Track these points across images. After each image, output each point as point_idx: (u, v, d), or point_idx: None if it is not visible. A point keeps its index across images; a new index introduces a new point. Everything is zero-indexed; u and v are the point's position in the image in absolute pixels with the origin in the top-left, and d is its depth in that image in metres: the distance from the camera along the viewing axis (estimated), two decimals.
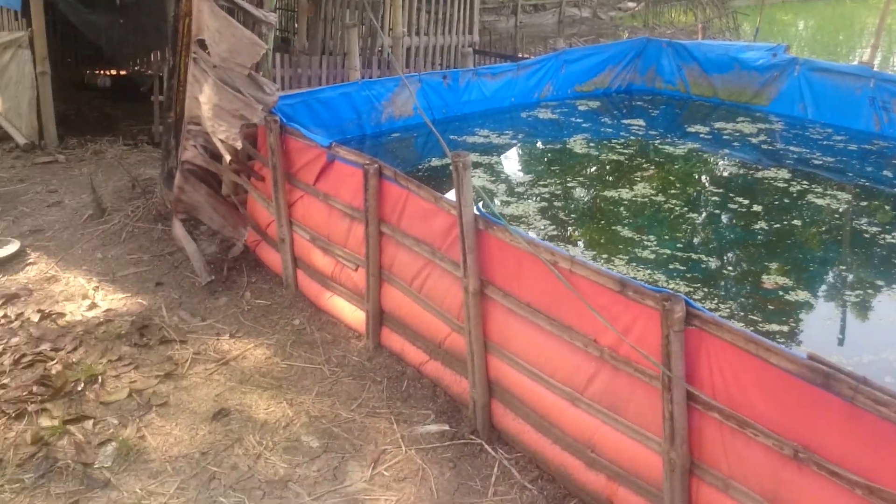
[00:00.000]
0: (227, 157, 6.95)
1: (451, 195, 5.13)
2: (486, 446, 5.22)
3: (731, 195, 8.65)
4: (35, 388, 5.75)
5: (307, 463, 5.10)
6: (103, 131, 12.40)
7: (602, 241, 7.51)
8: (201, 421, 5.49)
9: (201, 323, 6.79)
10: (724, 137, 10.66)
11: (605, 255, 7.11)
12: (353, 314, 6.52)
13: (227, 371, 6.08)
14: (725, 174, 9.63)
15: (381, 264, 6.05)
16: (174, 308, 7.02)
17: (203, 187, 7.52)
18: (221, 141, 6.85)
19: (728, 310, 6.25)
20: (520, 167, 9.32)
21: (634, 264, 6.91)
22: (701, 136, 10.74)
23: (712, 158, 10.03)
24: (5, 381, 5.87)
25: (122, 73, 15.74)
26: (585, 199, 8.52)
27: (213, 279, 7.36)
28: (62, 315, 6.83)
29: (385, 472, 5.02)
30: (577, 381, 4.60)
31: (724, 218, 8.13)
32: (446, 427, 5.42)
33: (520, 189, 8.36)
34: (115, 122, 13.14)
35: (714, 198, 8.70)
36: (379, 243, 5.99)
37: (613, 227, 7.66)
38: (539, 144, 10.16)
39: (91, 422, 5.45)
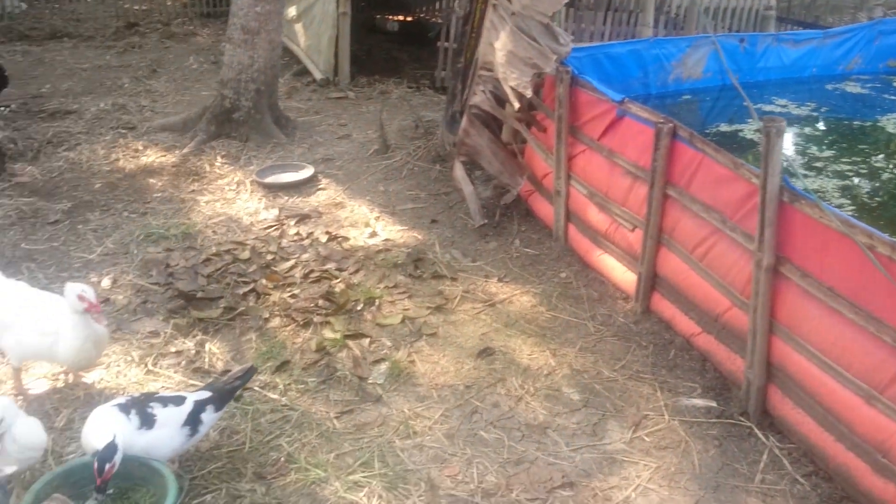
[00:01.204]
0: (515, 105, 7.00)
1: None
2: (757, 430, 4.92)
3: None
4: (321, 302, 6.23)
5: (567, 414, 5.09)
6: (389, 73, 13.05)
7: None
8: (467, 356, 5.66)
9: (471, 264, 6.98)
10: None
11: None
12: (623, 275, 6.39)
13: (494, 313, 6.21)
14: None
15: (661, 228, 5.83)
16: (447, 246, 7.28)
17: (486, 132, 7.67)
18: (511, 88, 6.91)
19: None
20: (820, 141, 8.57)
21: None
22: None
23: None
24: (296, 292, 6.42)
25: (410, 18, 16.42)
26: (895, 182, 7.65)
27: (486, 223, 7.53)
28: (346, 239, 7.32)
29: (645, 438, 4.90)
30: (876, 379, 4.17)
31: None
32: (713, 404, 5.17)
33: (818, 164, 7.70)
34: (401, 65, 13.77)
35: None
36: (662, 206, 5.77)
37: None
38: (844, 120, 9.25)
39: (367, 340, 5.81)
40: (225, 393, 4.59)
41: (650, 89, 8.70)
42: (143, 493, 4.14)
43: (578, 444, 4.83)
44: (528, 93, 6.81)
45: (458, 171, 7.86)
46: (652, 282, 6.03)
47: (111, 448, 3.90)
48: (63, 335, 4.82)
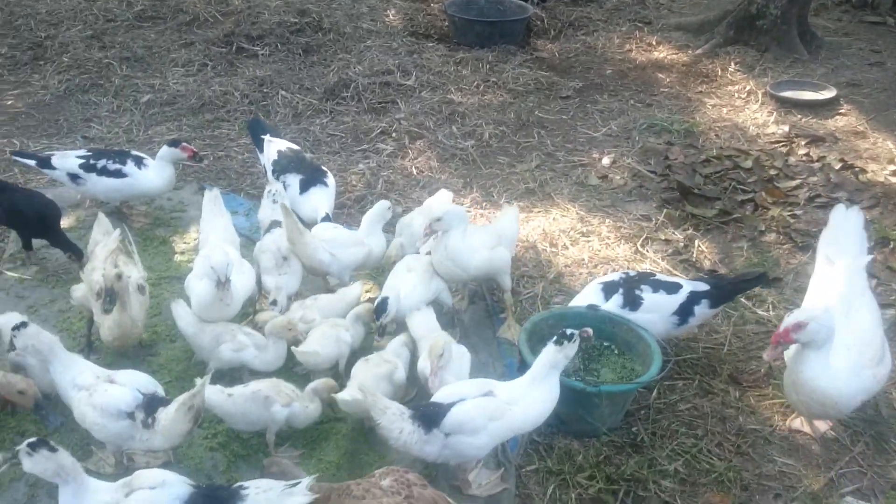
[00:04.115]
0: None
1: None
2: None
3: None
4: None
5: None
6: None
7: None
8: None
9: None
10: None
11: None
12: None
13: None
14: None
15: None
16: None
17: None
18: None
19: None
20: None
21: None
22: None
23: None
24: (797, 213, 5.91)
25: None
26: None
27: None
28: (864, 171, 6.51)
29: None
30: None
31: None
32: None
33: None
34: None
35: None
36: None
37: None
38: None
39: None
40: (726, 291, 4.36)
41: None
42: (625, 357, 4.16)
43: None
44: None
45: None
46: None
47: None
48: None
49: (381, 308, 4.18)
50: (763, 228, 5.73)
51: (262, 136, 5.77)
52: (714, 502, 3.64)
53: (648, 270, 5.06)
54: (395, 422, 3.38)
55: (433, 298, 4.46)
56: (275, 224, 4.80)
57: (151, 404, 3.37)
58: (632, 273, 4.48)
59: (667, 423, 4.06)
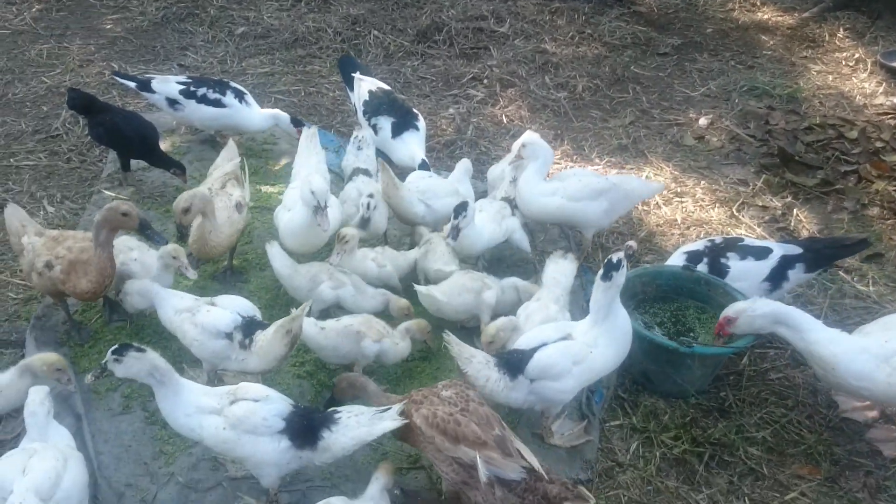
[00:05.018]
0: None
1: None
2: None
3: None
4: None
5: None
6: None
7: None
8: None
9: None
10: None
11: None
12: None
13: None
14: None
15: None
16: None
17: None
18: None
19: None
20: None
21: None
22: None
23: None
24: None
25: None
26: None
27: None
28: None
29: None
30: None
31: None
32: None
33: None
34: None
35: None
36: None
37: None
38: None
39: None
40: (823, 255, 4.19)
41: None
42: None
43: None
44: None
45: None
46: None
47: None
48: None
49: (460, 209, 4.15)
50: (866, 202, 5.49)
51: (353, 74, 5.73)
52: (803, 474, 3.55)
53: (736, 236, 4.89)
54: (482, 370, 3.37)
55: (504, 239, 4.48)
56: (357, 172, 4.76)
57: (250, 327, 3.43)
58: (717, 240, 4.31)
59: (756, 390, 3.96)
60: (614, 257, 3.29)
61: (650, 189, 4.74)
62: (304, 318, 3.43)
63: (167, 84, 5.44)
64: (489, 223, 4.41)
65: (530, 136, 4.59)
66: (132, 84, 5.54)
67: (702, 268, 4.14)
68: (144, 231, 3.79)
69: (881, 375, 3.39)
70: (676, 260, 4.25)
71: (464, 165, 4.86)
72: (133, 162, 5.22)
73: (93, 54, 7.09)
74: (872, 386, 3.41)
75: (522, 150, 4.47)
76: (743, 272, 4.10)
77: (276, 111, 5.49)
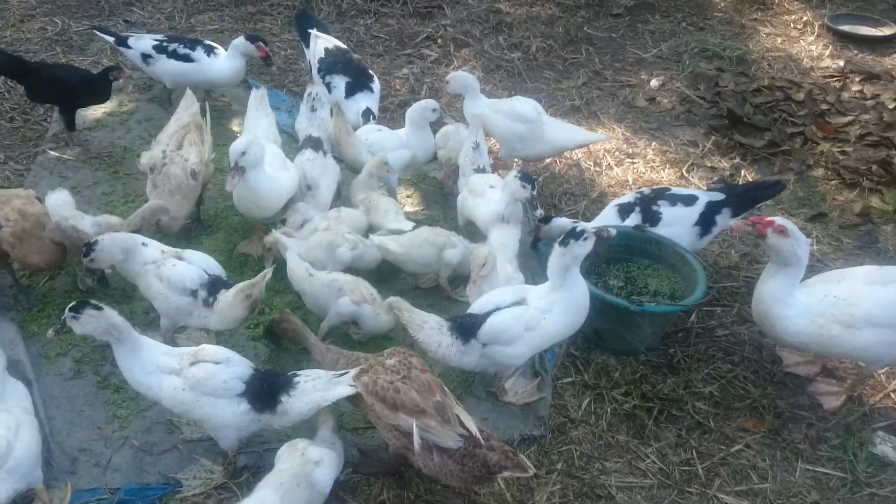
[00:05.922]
0: None
1: None
2: None
3: None
4: (874, 168, 5.53)
5: None
6: None
7: None
8: None
9: None
10: None
11: None
12: None
13: None
14: None
15: None
16: None
17: None
18: None
19: None
20: None
21: None
22: None
23: None
24: (847, 150, 5.78)
25: None
26: None
27: None
28: None
29: None
30: None
31: None
32: None
33: None
34: None
35: None
36: None
37: None
38: None
39: None
40: (745, 198, 4.29)
41: None
42: (668, 277, 4.13)
43: None
44: None
45: None
46: None
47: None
48: None
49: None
50: (811, 163, 5.63)
51: (310, 31, 5.65)
52: (748, 427, 3.67)
53: (663, 186, 5.00)
54: (434, 336, 3.41)
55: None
56: (308, 141, 4.62)
57: (215, 286, 3.42)
58: (646, 191, 4.41)
59: (704, 347, 4.07)
60: (579, 228, 3.34)
61: (585, 137, 5.02)
62: (295, 261, 3.74)
63: (142, 40, 5.43)
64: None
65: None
66: (111, 39, 5.50)
67: (634, 217, 4.24)
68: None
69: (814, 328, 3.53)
70: (608, 213, 4.35)
71: (422, 107, 4.73)
72: (78, 122, 5.09)
73: (34, 9, 6.86)
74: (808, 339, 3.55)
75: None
76: (674, 217, 4.23)
77: (234, 42, 5.35)
